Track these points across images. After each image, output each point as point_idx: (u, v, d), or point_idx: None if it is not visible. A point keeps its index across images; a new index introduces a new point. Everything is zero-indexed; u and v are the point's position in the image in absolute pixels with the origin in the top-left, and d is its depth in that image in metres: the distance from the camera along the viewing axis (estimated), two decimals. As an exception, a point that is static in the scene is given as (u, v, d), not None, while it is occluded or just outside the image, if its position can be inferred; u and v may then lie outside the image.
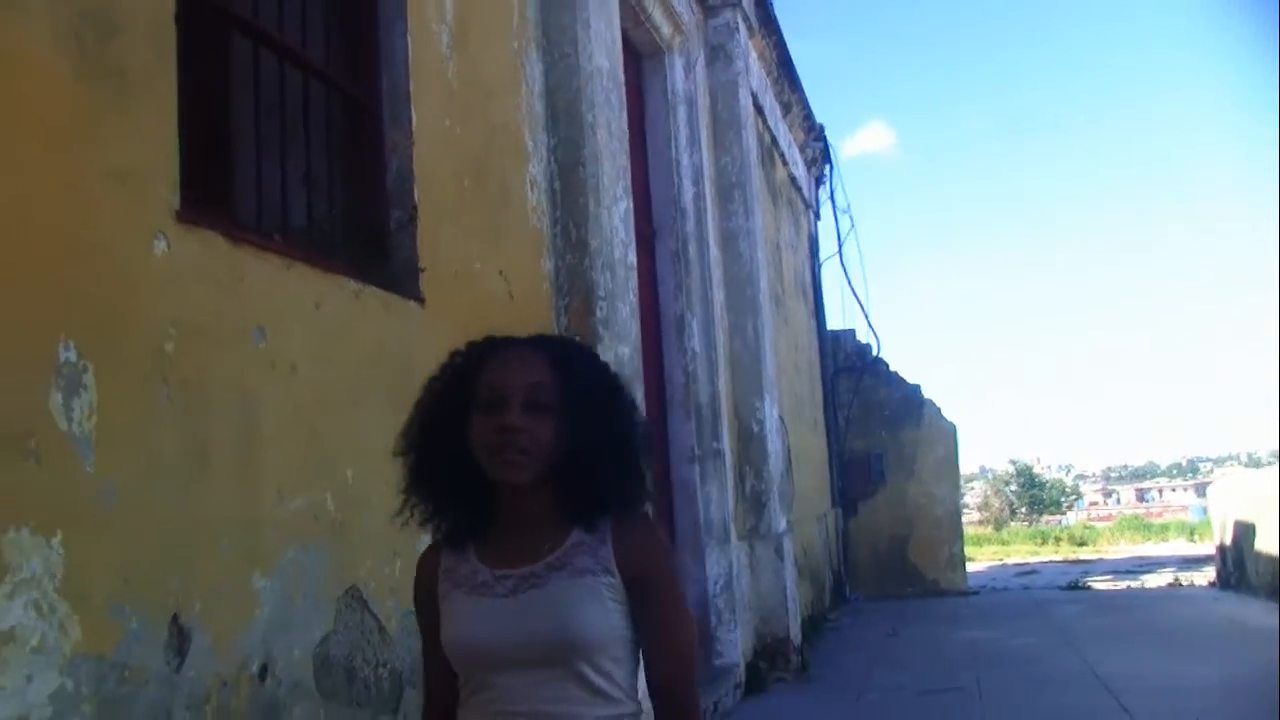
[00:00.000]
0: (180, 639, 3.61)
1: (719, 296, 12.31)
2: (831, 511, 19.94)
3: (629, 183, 8.19)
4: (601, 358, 2.81)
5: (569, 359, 2.62)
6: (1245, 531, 18.01)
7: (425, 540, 4.98)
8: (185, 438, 3.76)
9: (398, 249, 5.40)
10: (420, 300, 5.35)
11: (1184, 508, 75.98)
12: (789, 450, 14.76)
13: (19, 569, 3.03)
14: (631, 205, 8.17)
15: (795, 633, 12.68)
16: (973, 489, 71.46)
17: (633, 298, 7.92)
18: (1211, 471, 40.61)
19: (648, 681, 2.57)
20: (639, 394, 7.70)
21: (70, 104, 3.41)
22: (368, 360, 4.94)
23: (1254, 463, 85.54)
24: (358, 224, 5.33)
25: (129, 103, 3.64)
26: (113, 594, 3.35)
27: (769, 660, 12.00)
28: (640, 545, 2.55)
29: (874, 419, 21.72)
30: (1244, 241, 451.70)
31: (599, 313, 7.17)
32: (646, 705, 2.57)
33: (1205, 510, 26.27)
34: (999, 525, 60.28)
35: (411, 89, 5.55)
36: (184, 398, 3.75)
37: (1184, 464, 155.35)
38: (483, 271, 6.14)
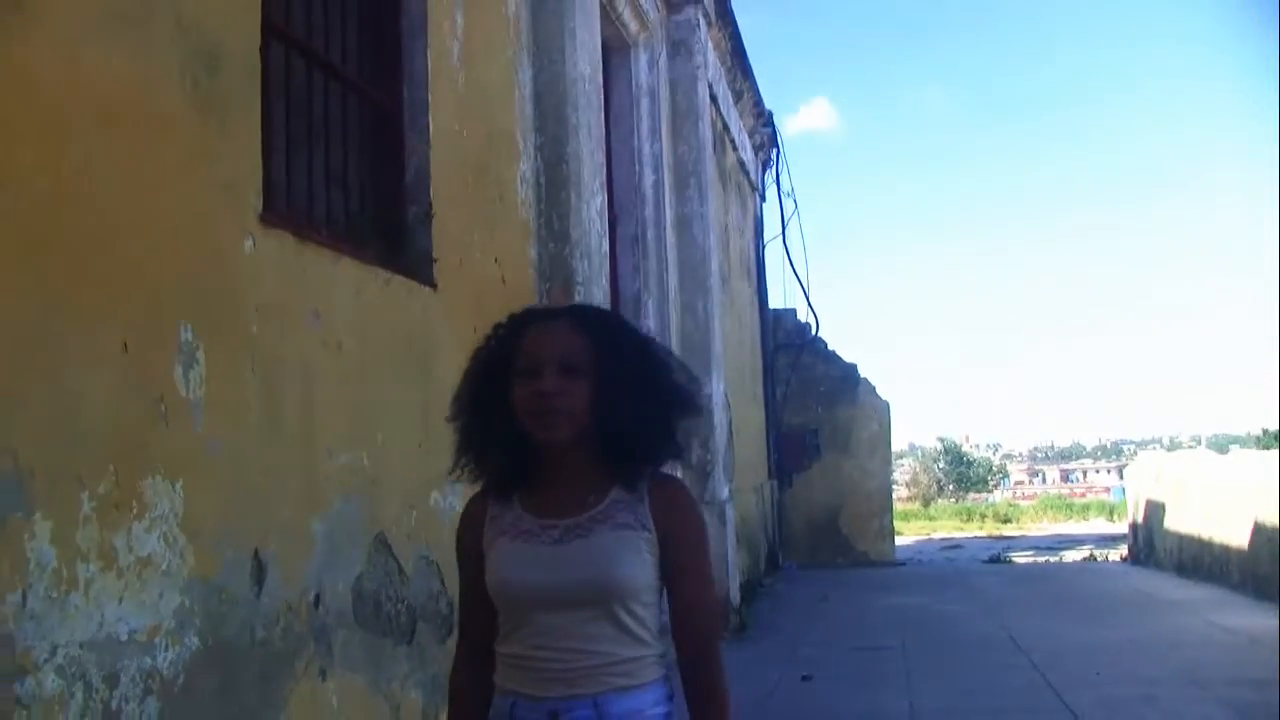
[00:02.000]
0: (259, 570, 4.39)
1: (673, 278, 13.13)
2: (768, 483, 20.84)
3: (604, 178, 8.98)
4: (633, 328, 3.03)
5: (601, 326, 2.83)
6: (1156, 510, 19.13)
7: (435, 498, 5.80)
8: (264, 403, 4.53)
9: (415, 241, 6.17)
10: (434, 286, 6.12)
11: (1106, 489, 77.69)
12: (730, 423, 15.59)
13: (153, 508, 3.80)
14: (606, 197, 8.95)
15: (734, 594, 13.59)
16: (902, 465, 72.55)
17: (605, 282, 8.73)
18: (1135, 454, 41.95)
19: (674, 628, 2.78)
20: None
21: (186, 128, 4.16)
22: (394, 339, 5.72)
23: (1175, 446, 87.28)
24: (380, 219, 6.08)
25: (228, 125, 4.39)
26: (215, 531, 4.12)
27: (710, 619, 12.83)
28: (675, 507, 2.77)
29: (811, 395, 22.64)
30: (1176, 227, 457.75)
31: (577, 296, 7.95)
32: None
33: (1124, 491, 27.40)
34: (926, 501, 61.43)
35: (430, 98, 6.30)
36: (263, 370, 4.51)
37: (1108, 446, 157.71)
38: (481, 260, 6.92)
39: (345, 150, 5.83)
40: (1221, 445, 59.42)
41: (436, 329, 6.07)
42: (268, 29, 4.79)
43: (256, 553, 4.38)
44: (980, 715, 8.61)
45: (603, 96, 9.43)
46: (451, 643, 3.23)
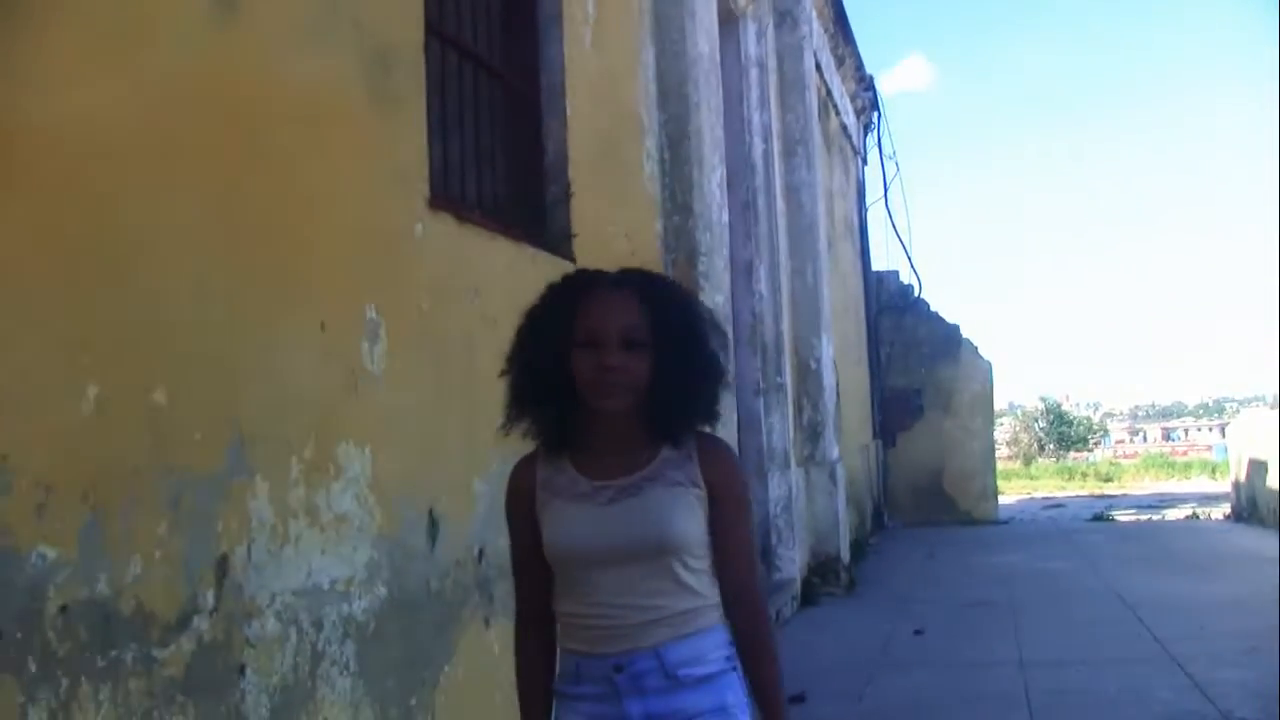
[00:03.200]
0: (433, 527, 4.81)
1: (783, 244, 13.44)
2: (873, 443, 21.11)
3: (724, 151, 9.33)
4: (691, 293, 3.15)
5: (659, 297, 2.84)
6: (1258, 469, 19.16)
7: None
8: (434, 374, 4.95)
9: (556, 219, 6.56)
10: (573, 260, 6.50)
11: (1208, 447, 76.63)
12: (837, 385, 15.90)
13: (346, 471, 4.23)
14: (725, 170, 9.30)
15: (845, 552, 13.93)
16: (1002, 425, 72.10)
17: (725, 252, 9.10)
18: (1238, 412, 41.55)
19: (720, 578, 2.86)
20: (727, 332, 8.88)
21: (365, 124, 4.57)
22: (540, 313, 6.12)
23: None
24: (523, 199, 6.47)
25: (399, 118, 4.80)
26: (397, 491, 4.55)
27: (821, 576, 13.24)
28: (722, 464, 2.87)
29: (914, 356, 22.86)
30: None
31: (700, 266, 8.33)
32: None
33: (1227, 449, 27.34)
34: (1027, 461, 60.97)
35: (565, 83, 6.68)
36: (433, 344, 4.93)
37: (1210, 404, 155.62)
38: (613, 234, 7.30)
39: (491, 135, 6.21)
40: (1329, 402, 58.38)
41: (577, 302, 6.48)
42: (428, 28, 5.17)
43: (431, 511, 4.80)
44: (1087, 665, 8.88)
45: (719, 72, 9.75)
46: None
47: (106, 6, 3.23)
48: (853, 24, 19.28)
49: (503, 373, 2.93)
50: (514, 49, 6.59)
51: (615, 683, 2.73)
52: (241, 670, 3.59)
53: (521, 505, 2.90)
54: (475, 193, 5.90)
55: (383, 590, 4.40)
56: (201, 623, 3.42)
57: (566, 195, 6.56)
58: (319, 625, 4.01)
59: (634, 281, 2.88)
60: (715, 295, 8.60)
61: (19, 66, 2.89)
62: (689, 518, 2.77)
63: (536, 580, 2.88)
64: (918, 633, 10.52)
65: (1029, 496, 33.10)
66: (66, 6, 3.08)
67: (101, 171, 3.17)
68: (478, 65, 6.05)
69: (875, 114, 22.70)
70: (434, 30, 5.37)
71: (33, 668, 2.80)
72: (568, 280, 2.92)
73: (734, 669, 2.82)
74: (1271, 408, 28.27)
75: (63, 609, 2.90)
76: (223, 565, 3.53)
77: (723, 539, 2.83)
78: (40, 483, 2.84)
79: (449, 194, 5.44)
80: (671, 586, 2.75)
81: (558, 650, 2.88)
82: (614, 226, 7.32)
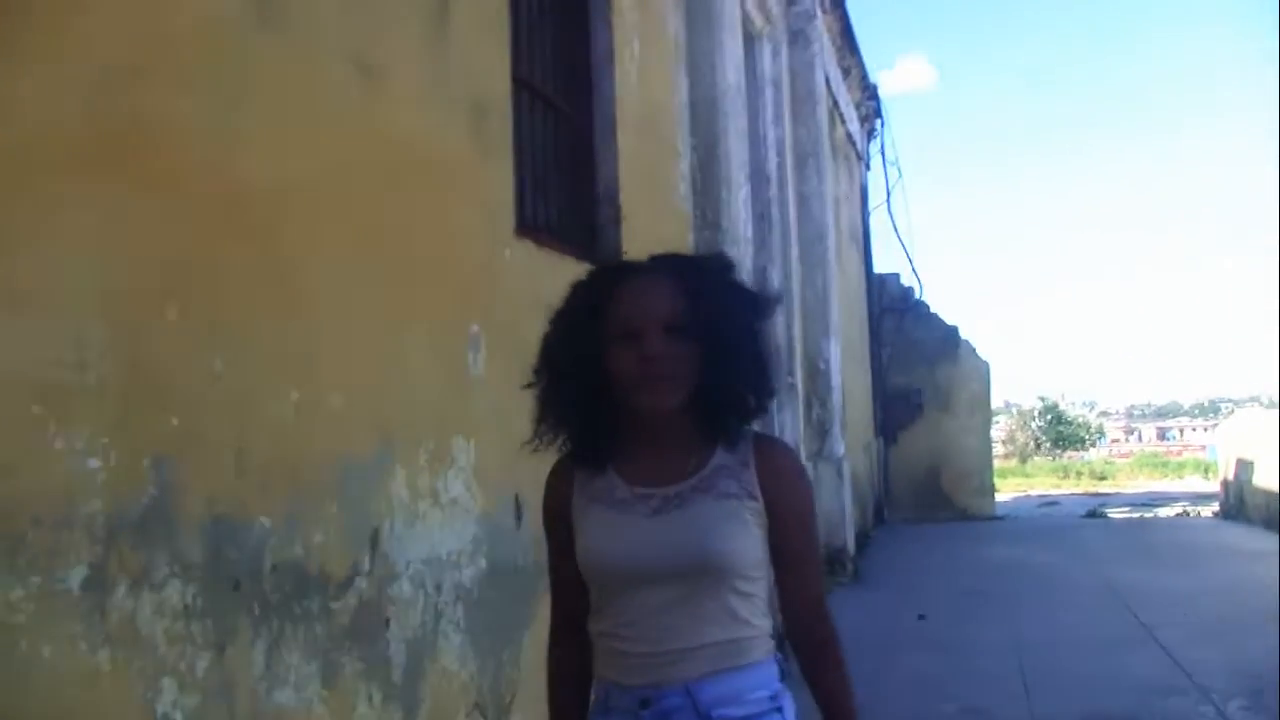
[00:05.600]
0: (519, 509, 5.60)
1: (794, 252, 14.25)
2: (874, 440, 21.93)
3: (748, 171, 10.14)
4: (725, 263, 2.82)
5: (696, 278, 2.62)
6: (1246, 467, 20.07)
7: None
8: (519, 377, 5.72)
9: (607, 238, 7.35)
10: (624, 277, 7.30)
11: (1203, 447, 77.31)
12: (842, 385, 16.71)
13: (458, 461, 5.03)
14: (750, 188, 10.11)
15: (850, 544, 14.77)
16: (998, 423, 72.76)
17: (749, 264, 9.92)
18: (1233, 413, 42.47)
19: (782, 604, 2.63)
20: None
21: (468, 166, 5.36)
22: (598, 323, 6.93)
23: (1274, 404, 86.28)
24: (579, 221, 7.26)
25: (493, 159, 5.59)
26: (493, 478, 5.34)
27: (829, 567, 13.98)
28: (784, 474, 2.60)
29: (914, 356, 23.71)
30: None
31: (728, 279, 9.11)
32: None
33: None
34: (1023, 459, 61.71)
35: (616, 115, 7.48)
36: (519, 352, 5.69)
37: (1206, 404, 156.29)
38: (654, 250, 8.06)
39: (551, 164, 7.01)
40: (1323, 403, 59.11)
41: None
42: (515, 78, 5.98)
43: (517, 497, 5.59)
44: (1079, 645, 9.74)
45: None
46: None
47: (289, 84, 4.01)
48: (854, 24, 20.06)
49: (528, 384, 2.76)
50: (572, 86, 7.38)
51: (640, 719, 2.50)
52: (387, 623, 4.39)
53: (558, 510, 2.74)
54: (543, 217, 6.68)
55: (483, 562, 5.19)
56: (361, 583, 4.22)
57: (617, 217, 7.35)
58: (439, 589, 4.81)
59: (671, 265, 2.70)
60: (741, 304, 9.42)
61: (236, 140, 3.69)
62: (742, 535, 2.51)
63: (573, 592, 2.67)
64: (921, 618, 11.35)
65: (1025, 494, 33.92)
66: (261, 88, 3.85)
67: (292, 224, 3.97)
68: (545, 103, 6.85)
69: (878, 121, 23.53)
70: (514, 76, 6.17)
71: (256, 611, 3.60)
72: (595, 274, 2.76)
73: (778, 709, 2.56)
74: (1268, 407, 29.05)
75: (274, 567, 3.70)
76: (374, 537, 4.33)
77: (787, 554, 2.60)
78: (261, 468, 3.64)
79: (526, 221, 6.23)
80: (717, 613, 2.49)
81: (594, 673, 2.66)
82: (655, 244, 8.07)
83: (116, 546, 3.03)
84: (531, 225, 6.33)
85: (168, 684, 3.19)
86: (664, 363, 2.48)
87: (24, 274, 2.81)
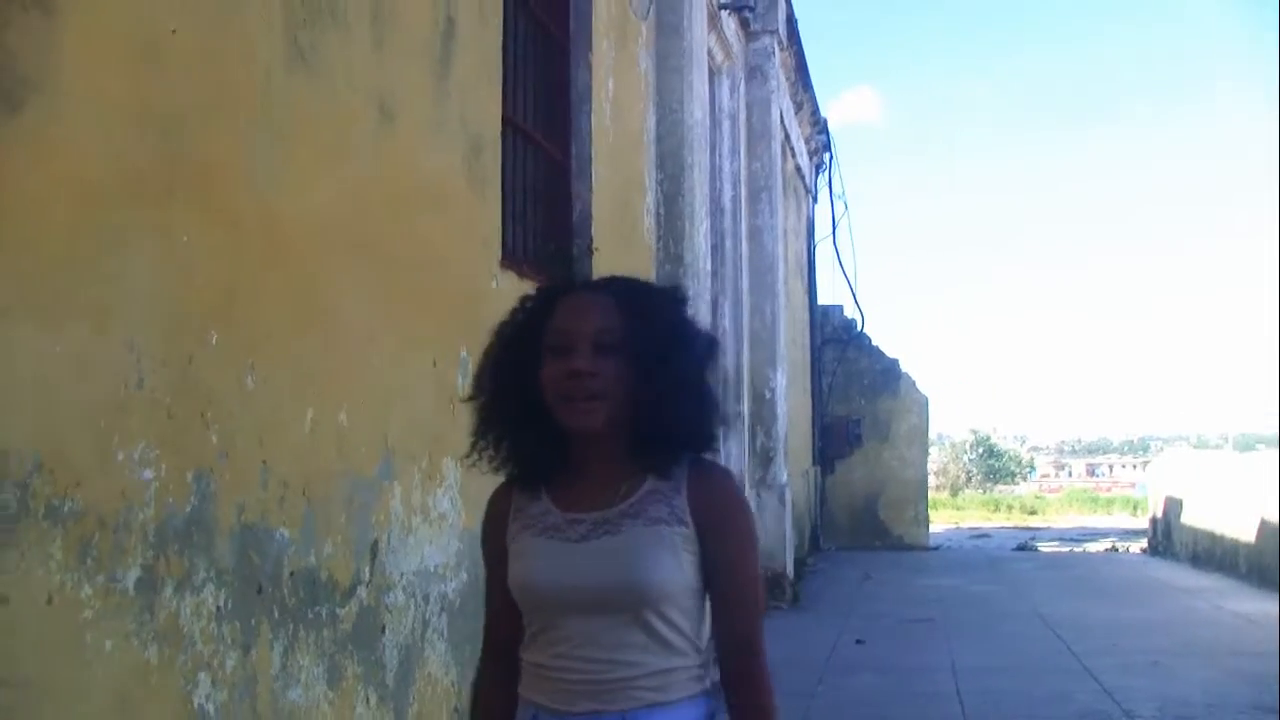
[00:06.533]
0: (497, 526, 5.90)
1: (745, 282, 14.61)
2: (813, 469, 22.32)
3: (709, 206, 10.50)
4: (676, 295, 2.71)
5: (637, 300, 2.53)
6: (1174, 506, 20.68)
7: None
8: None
9: (580, 269, 7.66)
10: (594, 306, 7.61)
11: (1132, 484, 78.46)
12: (787, 413, 17.08)
13: (446, 479, 5.33)
14: (710, 224, 10.47)
15: (790, 569, 15.11)
16: (930, 455, 73.46)
17: (708, 297, 10.27)
18: (1161, 450, 43.31)
19: (714, 633, 2.53)
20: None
21: (464, 201, 5.68)
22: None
23: (1202, 444, 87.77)
24: (554, 251, 7.58)
25: (485, 194, 5.91)
26: (476, 494, 5.61)
27: (769, 590, 14.31)
28: (716, 498, 2.50)
29: (854, 387, 24.17)
30: (1217, 234, 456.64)
31: (689, 310, 9.45)
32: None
33: (1147, 487, 28.90)
34: (955, 491, 62.46)
35: (592, 152, 7.82)
36: (500, 378, 6.05)
37: (1135, 442, 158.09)
38: (621, 281, 8.41)
39: (532, 198, 7.33)
40: (1248, 443, 60.18)
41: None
42: (503, 118, 6.30)
43: (495, 514, 5.90)
44: (1012, 671, 10.12)
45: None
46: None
47: (320, 124, 4.31)
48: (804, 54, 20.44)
49: (469, 397, 2.64)
50: (550, 123, 7.71)
51: None
52: (383, 630, 4.69)
53: (494, 534, 2.65)
54: (523, 248, 7.00)
55: (465, 575, 5.48)
56: (362, 591, 4.51)
57: (590, 250, 7.68)
58: (427, 599, 5.10)
59: (613, 286, 2.61)
60: (700, 335, 9.76)
61: (275, 176, 3.99)
62: (670, 563, 2.42)
63: (505, 620, 2.59)
64: (859, 642, 11.68)
65: (956, 526, 34.47)
66: (296, 128, 4.15)
67: (315, 253, 4.27)
68: (528, 140, 7.17)
69: (827, 155, 23.97)
70: (503, 116, 6.48)
71: (276, 614, 3.89)
72: (541, 289, 2.66)
73: None
74: (1196, 447, 29.75)
75: (291, 574, 3.99)
76: (374, 548, 4.62)
77: (719, 583, 2.49)
78: (282, 481, 3.94)
79: (509, 253, 6.54)
80: (646, 641, 2.41)
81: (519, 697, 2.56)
82: (623, 274, 8.43)
83: (164, 551, 3.33)
84: (514, 256, 6.64)
85: (203, 679, 3.49)
86: (590, 379, 2.39)
87: (95, 298, 3.11)
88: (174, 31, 3.46)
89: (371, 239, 4.71)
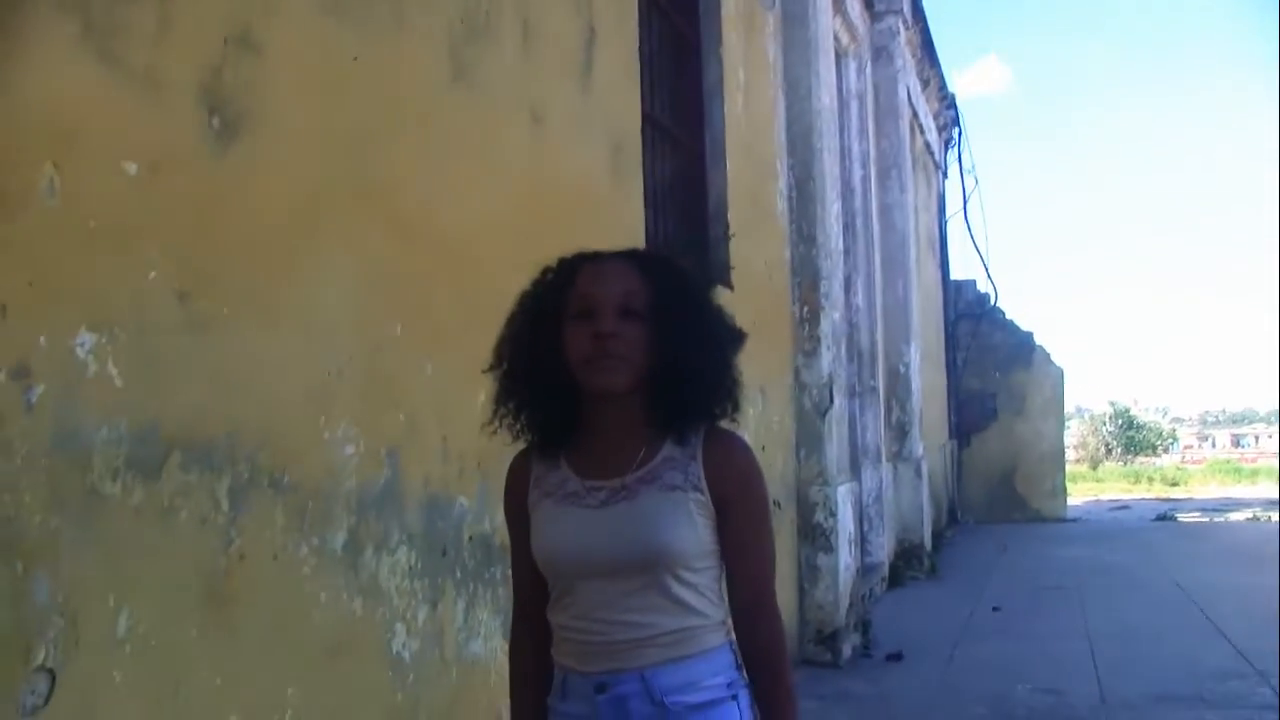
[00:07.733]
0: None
1: (877, 260, 14.92)
2: (949, 443, 22.49)
3: (840, 188, 10.84)
4: (700, 279, 2.80)
5: (659, 268, 2.61)
6: (1319, 474, 20.42)
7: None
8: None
9: (717, 254, 8.07)
10: (732, 288, 8.01)
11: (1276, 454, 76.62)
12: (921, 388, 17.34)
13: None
14: (841, 204, 10.81)
15: (927, 540, 15.45)
16: (1070, 428, 72.38)
17: (840, 275, 10.62)
18: (1310, 419, 42.72)
19: (730, 595, 2.60)
20: (839, 344, 10.49)
21: (608, 196, 6.11)
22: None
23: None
24: (692, 238, 7.98)
25: (627, 188, 6.34)
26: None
27: (906, 561, 14.69)
28: (731, 464, 2.56)
29: (988, 361, 24.17)
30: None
31: (822, 289, 9.82)
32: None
33: (1292, 456, 28.45)
34: (1095, 464, 61.43)
35: (725, 141, 8.20)
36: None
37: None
38: (755, 263, 8.81)
39: (669, 189, 7.74)
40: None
41: (740, 323, 7.99)
42: (642, 114, 6.71)
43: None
44: (1145, 635, 10.33)
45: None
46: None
47: (479, 134, 4.76)
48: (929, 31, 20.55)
49: (490, 366, 2.70)
50: (685, 116, 8.11)
51: (597, 704, 2.52)
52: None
53: (515, 504, 2.72)
54: (663, 237, 7.41)
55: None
56: (529, 555, 4.97)
57: (726, 235, 8.07)
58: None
59: (635, 255, 2.71)
60: (834, 314, 10.12)
61: (442, 185, 4.45)
62: (685, 526, 2.49)
63: (532, 585, 2.70)
64: (995, 609, 11.94)
65: (1095, 499, 33.97)
66: (457, 139, 4.60)
67: (478, 256, 4.73)
68: (665, 134, 7.59)
69: (956, 130, 24.06)
70: (642, 112, 6.90)
71: (458, 574, 4.36)
72: (563, 260, 2.70)
73: (734, 697, 2.56)
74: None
75: (470, 538, 4.45)
76: (538, 517, 5.08)
77: (733, 550, 2.57)
78: (459, 455, 4.40)
79: (650, 242, 6.95)
80: (664, 603, 2.48)
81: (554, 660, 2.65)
82: (756, 257, 8.82)
83: (365, 517, 3.81)
84: (656, 245, 7.04)
85: (400, 629, 3.97)
86: (615, 341, 2.46)
87: (301, 301, 3.60)
88: (355, 59, 3.92)
89: (528, 236, 5.13)
